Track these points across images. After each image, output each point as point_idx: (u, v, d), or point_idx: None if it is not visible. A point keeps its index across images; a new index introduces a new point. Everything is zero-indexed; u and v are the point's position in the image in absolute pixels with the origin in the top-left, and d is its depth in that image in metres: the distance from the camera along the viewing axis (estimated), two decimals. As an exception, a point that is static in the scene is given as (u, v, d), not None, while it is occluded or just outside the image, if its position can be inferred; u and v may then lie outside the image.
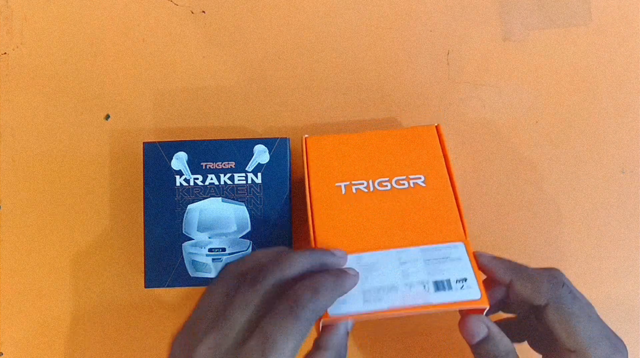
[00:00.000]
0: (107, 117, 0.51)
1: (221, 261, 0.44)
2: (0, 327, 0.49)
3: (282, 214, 0.45)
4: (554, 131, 0.52)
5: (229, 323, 0.33)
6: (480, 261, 0.39)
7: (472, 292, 0.37)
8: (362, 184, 0.43)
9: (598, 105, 0.52)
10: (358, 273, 0.38)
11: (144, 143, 0.45)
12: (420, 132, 0.46)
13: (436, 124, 0.46)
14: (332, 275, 0.35)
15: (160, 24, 0.52)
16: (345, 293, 0.36)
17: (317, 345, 0.36)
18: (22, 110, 0.51)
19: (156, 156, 0.45)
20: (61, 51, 0.52)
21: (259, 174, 0.45)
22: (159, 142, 0.45)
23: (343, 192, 0.43)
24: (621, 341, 0.38)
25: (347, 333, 0.37)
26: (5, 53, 0.52)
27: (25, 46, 0.52)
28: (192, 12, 0.52)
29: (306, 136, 0.45)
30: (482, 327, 0.38)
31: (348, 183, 0.43)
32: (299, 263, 0.35)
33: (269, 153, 0.45)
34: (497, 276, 0.39)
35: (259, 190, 0.45)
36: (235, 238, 0.45)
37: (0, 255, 0.49)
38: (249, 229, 0.45)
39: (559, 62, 0.52)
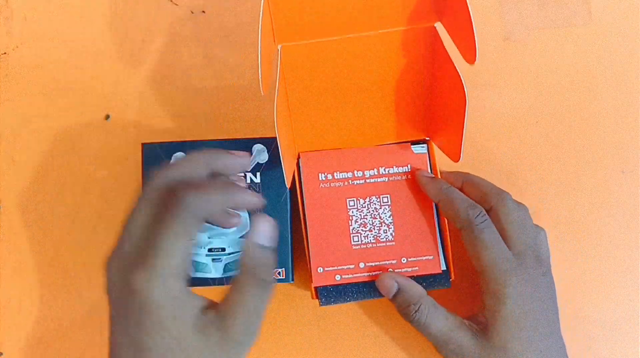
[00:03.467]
0: (107, 117, 0.51)
1: (221, 261, 0.44)
2: (0, 327, 0.49)
3: (281, 214, 0.45)
4: (554, 131, 0.52)
5: (126, 235, 0.34)
6: (418, 179, 0.45)
7: None
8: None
9: (598, 105, 0.52)
10: (247, 153, 0.38)
11: (142, 143, 0.45)
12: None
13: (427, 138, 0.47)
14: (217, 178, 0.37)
15: (160, 24, 0.52)
16: (238, 172, 0.38)
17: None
18: (22, 110, 0.51)
19: (155, 156, 0.45)
20: (61, 51, 0.52)
21: (258, 174, 0.45)
22: (157, 143, 0.45)
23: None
24: (540, 267, 0.42)
25: (266, 248, 0.36)
26: (5, 53, 0.52)
27: (25, 46, 0.52)
28: (192, 12, 0.53)
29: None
30: (393, 283, 0.43)
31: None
32: (189, 167, 0.36)
33: (268, 152, 0.45)
34: (428, 194, 0.44)
35: (258, 190, 0.45)
36: (235, 238, 0.45)
37: (0, 255, 0.50)
38: (248, 228, 0.45)
39: (559, 62, 0.52)
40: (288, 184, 0.41)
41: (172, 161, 0.38)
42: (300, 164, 0.44)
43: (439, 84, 0.44)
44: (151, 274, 0.32)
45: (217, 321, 0.33)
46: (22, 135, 0.51)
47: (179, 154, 0.45)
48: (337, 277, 0.43)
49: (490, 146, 0.51)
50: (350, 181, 0.45)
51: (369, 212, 0.44)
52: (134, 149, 0.50)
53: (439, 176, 0.46)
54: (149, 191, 0.35)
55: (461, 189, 0.45)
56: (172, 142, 0.45)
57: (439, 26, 0.42)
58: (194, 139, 0.46)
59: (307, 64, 0.43)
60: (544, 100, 0.52)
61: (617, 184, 0.51)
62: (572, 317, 0.48)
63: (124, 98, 0.51)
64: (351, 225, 0.44)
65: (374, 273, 0.44)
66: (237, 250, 0.44)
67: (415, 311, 0.42)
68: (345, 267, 0.44)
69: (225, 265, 0.44)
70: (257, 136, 0.46)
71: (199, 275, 0.44)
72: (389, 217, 0.44)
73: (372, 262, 0.44)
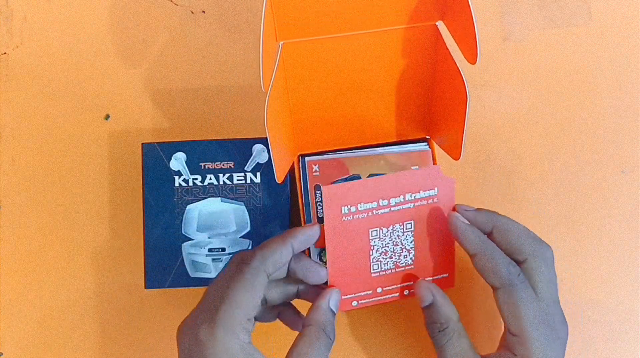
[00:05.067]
0: (107, 117, 0.51)
1: (221, 261, 0.45)
2: (0, 327, 0.49)
3: (281, 214, 0.45)
4: (554, 131, 0.51)
5: (203, 299, 0.37)
6: (454, 224, 0.41)
7: None
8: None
9: (598, 105, 0.52)
10: (316, 224, 0.40)
11: (142, 143, 0.45)
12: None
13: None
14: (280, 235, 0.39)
15: (160, 24, 0.52)
16: (296, 243, 0.39)
17: (303, 323, 0.39)
18: (22, 110, 0.51)
19: (155, 156, 0.45)
20: (61, 51, 0.52)
21: (258, 174, 0.45)
22: (157, 143, 0.45)
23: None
24: (565, 327, 0.41)
25: (333, 312, 0.39)
26: (5, 53, 0.52)
27: (25, 46, 0.52)
28: (192, 12, 0.52)
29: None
30: (428, 294, 0.41)
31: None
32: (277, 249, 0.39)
33: (268, 152, 0.45)
34: (463, 244, 0.41)
35: (258, 190, 0.45)
36: (235, 238, 0.45)
37: (0, 255, 0.50)
38: (248, 229, 0.45)
39: (559, 62, 0.52)
40: (278, 180, 0.41)
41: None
42: (323, 198, 0.40)
43: (439, 83, 0.44)
44: (216, 325, 0.34)
45: None
46: (22, 135, 0.51)
47: (179, 154, 0.45)
48: (354, 303, 0.42)
49: (490, 146, 0.51)
50: (374, 211, 0.41)
51: (391, 240, 0.42)
52: (134, 149, 0.50)
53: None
54: (228, 265, 0.38)
55: (490, 234, 0.41)
56: (172, 142, 0.45)
57: (440, 25, 0.42)
58: (194, 139, 0.46)
59: (308, 61, 0.43)
60: (544, 100, 0.52)
61: (617, 184, 0.51)
62: (572, 317, 0.48)
63: (124, 98, 0.51)
64: (372, 255, 0.42)
65: (389, 296, 0.43)
66: (237, 250, 0.44)
67: (440, 331, 0.40)
68: (362, 293, 0.42)
69: (225, 265, 0.44)
70: (257, 136, 0.46)
71: (199, 275, 0.44)
72: (411, 243, 0.42)
73: (389, 286, 0.43)
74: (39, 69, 0.52)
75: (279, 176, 0.41)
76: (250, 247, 0.45)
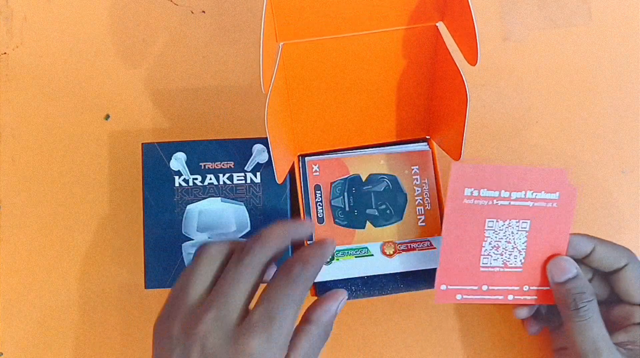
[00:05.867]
0: (107, 117, 0.51)
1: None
2: (0, 327, 0.49)
3: (281, 214, 0.45)
4: (554, 131, 0.52)
5: (228, 298, 0.35)
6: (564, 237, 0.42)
7: None
8: None
9: (598, 105, 0.52)
10: (334, 241, 0.41)
11: (142, 143, 0.45)
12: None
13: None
14: (315, 247, 0.38)
15: (160, 24, 0.52)
16: (327, 259, 0.40)
17: (307, 318, 0.37)
18: (22, 110, 0.51)
19: (155, 156, 0.45)
20: (61, 51, 0.52)
21: (258, 174, 0.45)
22: (157, 143, 0.45)
23: None
24: None
25: (336, 313, 0.39)
26: (5, 53, 0.52)
27: (25, 46, 0.52)
28: (192, 12, 0.52)
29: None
30: (571, 266, 0.41)
31: None
32: (276, 238, 0.37)
33: (268, 152, 0.45)
34: (578, 248, 0.42)
35: (258, 190, 0.45)
36: (235, 238, 0.45)
37: (0, 255, 0.50)
38: (248, 229, 0.45)
39: (559, 62, 0.52)
40: (278, 180, 0.41)
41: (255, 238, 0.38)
42: (451, 175, 0.41)
43: (440, 83, 0.44)
44: (270, 341, 0.34)
45: None
46: (22, 135, 0.51)
47: (179, 154, 0.45)
48: (459, 296, 0.42)
49: (490, 146, 0.51)
50: (494, 200, 0.41)
51: (505, 235, 0.42)
52: (134, 149, 0.50)
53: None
54: (247, 262, 0.36)
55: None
56: (171, 142, 0.45)
57: (440, 26, 0.42)
58: (194, 139, 0.46)
59: (308, 61, 0.43)
60: (544, 100, 0.52)
61: (617, 184, 0.51)
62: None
63: (124, 98, 0.51)
64: (484, 246, 0.42)
65: (494, 297, 0.42)
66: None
67: (588, 301, 0.39)
68: (468, 288, 0.42)
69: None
70: (257, 136, 0.46)
71: (199, 275, 0.44)
72: (523, 243, 0.42)
73: (495, 286, 0.42)
74: (39, 69, 0.52)
75: (279, 176, 0.41)
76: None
